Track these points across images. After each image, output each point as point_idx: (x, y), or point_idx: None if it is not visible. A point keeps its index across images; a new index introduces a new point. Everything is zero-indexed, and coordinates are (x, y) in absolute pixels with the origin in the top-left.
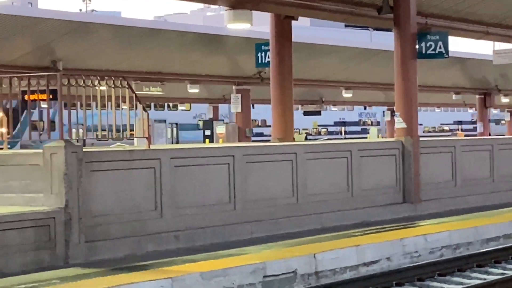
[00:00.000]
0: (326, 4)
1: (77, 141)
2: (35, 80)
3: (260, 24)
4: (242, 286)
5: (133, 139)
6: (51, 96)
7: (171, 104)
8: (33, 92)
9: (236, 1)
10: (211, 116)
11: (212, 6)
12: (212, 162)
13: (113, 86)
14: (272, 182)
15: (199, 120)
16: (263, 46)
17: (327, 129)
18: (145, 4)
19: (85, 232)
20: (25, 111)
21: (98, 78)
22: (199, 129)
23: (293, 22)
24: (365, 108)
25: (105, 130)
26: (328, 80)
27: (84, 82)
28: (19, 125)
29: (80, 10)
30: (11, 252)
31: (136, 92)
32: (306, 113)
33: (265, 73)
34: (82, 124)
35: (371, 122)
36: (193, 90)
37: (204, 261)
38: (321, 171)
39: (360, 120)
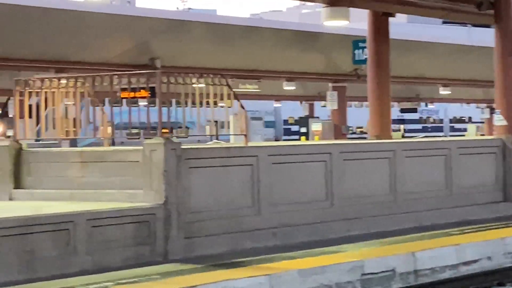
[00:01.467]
0: (425, 0)
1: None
2: (135, 78)
3: (356, 21)
4: (340, 284)
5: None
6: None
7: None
8: (132, 90)
9: None
10: (307, 114)
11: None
12: (309, 160)
13: (211, 83)
14: (369, 180)
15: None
16: (360, 43)
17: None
18: (240, 2)
19: (183, 228)
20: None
21: (197, 75)
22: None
23: (390, 18)
24: (426, 105)
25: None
26: (425, 77)
27: (183, 79)
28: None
29: (177, 8)
30: (112, 247)
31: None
32: (402, 111)
33: (361, 70)
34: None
35: (433, 120)
36: (289, 87)
37: (301, 259)
38: (419, 169)
39: (421, 117)
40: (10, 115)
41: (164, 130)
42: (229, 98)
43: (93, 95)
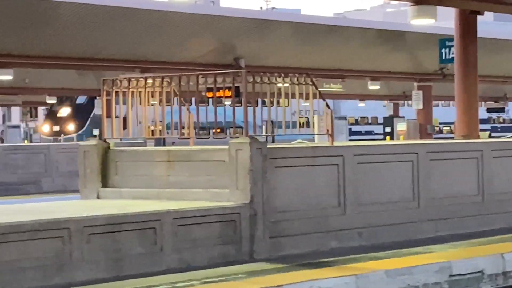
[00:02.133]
0: None
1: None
2: (221, 78)
3: (443, 20)
4: (428, 285)
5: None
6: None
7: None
8: (218, 89)
9: None
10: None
11: (392, 2)
12: (395, 159)
13: (297, 83)
14: (457, 180)
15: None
16: (447, 42)
17: (450, 127)
18: (324, 1)
19: (269, 227)
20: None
21: (282, 75)
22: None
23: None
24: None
25: (288, 127)
26: None
27: (268, 79)
28: (88, 122)
29: (261, 8)
30: (198, 246)
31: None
32: (489, 110)
33: (447, 69)
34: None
35: (503, 120)
36: (374, 86)
37: (388, 259)
38: (508, 169)
39: (489, 117)
40: (61, 115)
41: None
42: (314, 97)
43: (179, 94)
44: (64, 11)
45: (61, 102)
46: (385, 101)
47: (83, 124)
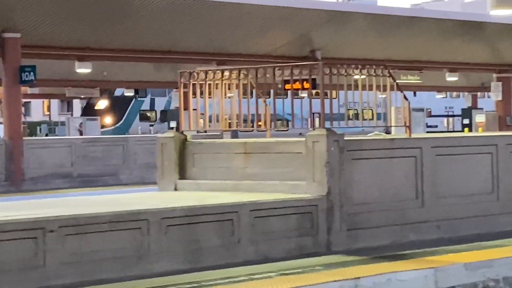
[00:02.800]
0: None
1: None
2: (298, 70)
3: None
4: (508, 278)
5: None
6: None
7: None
8: (294, 81)
9: None
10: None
11: None
12: (474, 152)
13: (374, 74)
14: None
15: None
16: None
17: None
18: None
19: (346, 219)
20: (133, 100)
21: (360, 67)
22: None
23: None
24: None
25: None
26: None
27: (345, 71)
28: (125, 115)
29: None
30: (275, 238)
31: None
32: None
33: None
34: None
35: None
36: (452, 78)
37: (467, 252)
38: None
39: None
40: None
41: (259, 123)
42: (391, 89)
43: (255, 86)
44: (141, 5)
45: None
46: (440, 93)
47: (121, 117)
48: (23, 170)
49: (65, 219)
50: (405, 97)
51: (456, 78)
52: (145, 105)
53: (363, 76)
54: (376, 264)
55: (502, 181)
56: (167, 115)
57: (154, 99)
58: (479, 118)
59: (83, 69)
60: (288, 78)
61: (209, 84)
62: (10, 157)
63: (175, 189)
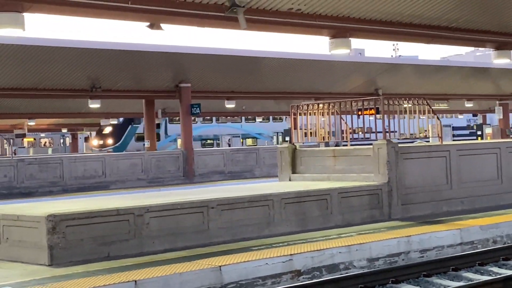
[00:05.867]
0: None
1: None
2: (367, 102)
3: None
4: (509, 235)
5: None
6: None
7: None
8: (365, 109)
9: (500, 44)
10: (481, 122)
11: (481, 48)
12: (485, 152)
13: (416, 104)
14: None
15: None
16: None
17: None
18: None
19: (401, 198)
20: (129, 126)
21: (407, 99)
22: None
23: None
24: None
25: (412, 134)
26: None
27: (398, 102)
28: (124, 136)
29: (391, 56)
30: (355, 211)
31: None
32: None
33: None
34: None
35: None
36: (469, 104)
37: (481, 218)
38: None
39: (468, 125)
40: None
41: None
42: (428, 113)
43: (339, 113)
44: (265, 63)
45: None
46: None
47: (119, 139)
48: (194, 169)
49: (221, 199)
50: (438, 118)
51: (472, 105)
52: (140, 130)
53: (409, 105)
54: (421, 227)
55: (504, 171)
56: (159, 136)
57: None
58: (488, 130)
59: (230, 105)
60: (361, 107)
61: (310, 113)
62: (186, 161)
63: (290, 180)
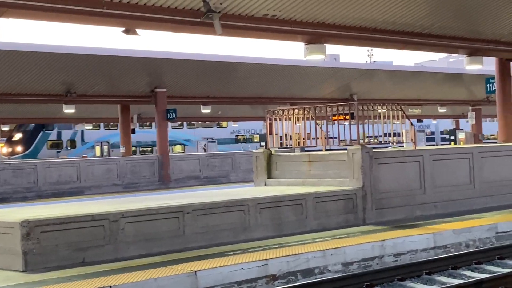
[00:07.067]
0: None
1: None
2: (341, 107)
3: (487, 65)
4: (481, 239)
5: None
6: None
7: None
8: (339, 114)
9: (472, 50)
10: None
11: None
12: (458, 157)
13: (390, 109)
14: (500, 170)
15: (237, 135)
16: (490, 80)
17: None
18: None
19: (375, 202)
20: (41, 132)
21: (381, 104)
22: (234, 143)
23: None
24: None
25: (380, 137)
26: None
27: (372, 107)
28: (35, 143)
29: (366, 61)
30: (330, 215)
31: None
32: None
33: (491, 97)
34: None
35: (429, 132)
36: (442, 109)
37: (454, 222)
38: None
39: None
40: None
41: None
42: (402, 118)
43: (315, 118)
44: (241, 68)
45: (18, 128)
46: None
47: (29, 146)
48: (170, 175)
49: (197, 204)
50: (411, 123)
51: (445, 110)
52: (53, 136)
53: (383, 110)
54: (395, 231)
55: (477, 176)
56: (75, 143)
57: (61, 131)
58: (461, 135)
59: (206, 110)
60: (335, 112)
61: (285, 118)
62: (161, 166)
63: (265, 185)
